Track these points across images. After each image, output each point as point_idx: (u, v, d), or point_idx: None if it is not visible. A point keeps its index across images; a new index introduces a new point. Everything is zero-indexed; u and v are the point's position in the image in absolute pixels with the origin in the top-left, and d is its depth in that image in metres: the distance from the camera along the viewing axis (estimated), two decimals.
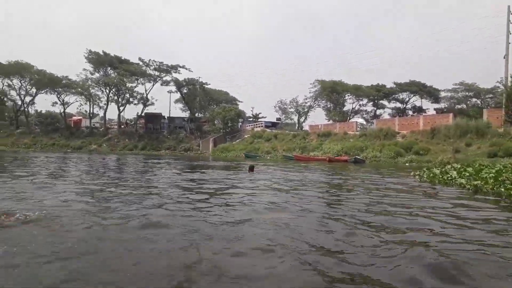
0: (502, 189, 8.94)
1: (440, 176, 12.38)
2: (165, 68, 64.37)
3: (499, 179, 9.73)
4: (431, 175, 13.02)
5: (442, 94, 59.23)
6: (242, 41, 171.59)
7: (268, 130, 53.86)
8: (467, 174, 11.64)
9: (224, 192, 9.20)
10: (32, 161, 22.46)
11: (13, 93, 68.15)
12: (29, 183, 9.75)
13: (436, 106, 59.62)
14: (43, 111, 71.86)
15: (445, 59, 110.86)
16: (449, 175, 11.99)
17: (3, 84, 66.47)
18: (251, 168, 16.04)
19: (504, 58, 33.68)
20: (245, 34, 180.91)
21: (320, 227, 5.13)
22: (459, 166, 13.97)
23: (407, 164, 29.81)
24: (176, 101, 76.84)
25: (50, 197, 7.16)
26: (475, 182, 10.11)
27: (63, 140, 62.62)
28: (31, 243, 3.84)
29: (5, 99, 69.06)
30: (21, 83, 66.28)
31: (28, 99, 68.97)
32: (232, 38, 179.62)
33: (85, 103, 68.36)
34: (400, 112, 60.25)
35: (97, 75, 66.32)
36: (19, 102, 69.23)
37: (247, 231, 4.76)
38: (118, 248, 3.87)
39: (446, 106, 58.31)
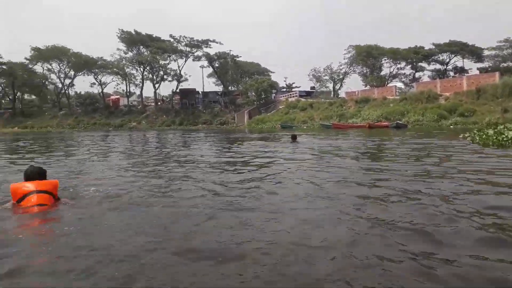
0: None
1: (495, 137, 11.85)
2: (195, 43, 64.41)
3: None
4: (484, 136, 12.49)
5: (486, 52, 55.88)
6: (271, 10, 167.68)
7: (303, 99, 53.20)
8: None
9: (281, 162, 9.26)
10: (82, 140, 23.48)
11: (53, 76, 71.16)
12: (90, 162, 10.22)
13: (480, 65, 56.42)
14: (83, 92, 74.58)
15: (486, 16, 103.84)
16: (504, 136, 11.46)
17: (43, 68, 69.28)
18: (294, 138, 16.00)
19: None
20: (274, 4, 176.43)
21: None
22: None
23: (451, 126, 28.84)
24: (209, 75, 77.10)
25: (114, 174, 7.45)
26: None
27: (103, 119, 64.81)
28: (109, 219, 3.97)
29: (47, 82, 72.04)
30: (59, 66, 68.91)
31: (67, 81, 71.62)
32: (261, 8, 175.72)
33: (122, 82, 70.48)
34: (440, 74, 57.63)
35: (130, 54, 67.55)
36: (60, 85, 72.19)
37: None
38: (186, 222, 3.85)
39: (491, 65, 55.05)
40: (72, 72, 69.85)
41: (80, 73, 69.37)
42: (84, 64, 66.62)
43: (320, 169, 7.40)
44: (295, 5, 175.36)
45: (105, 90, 73.43)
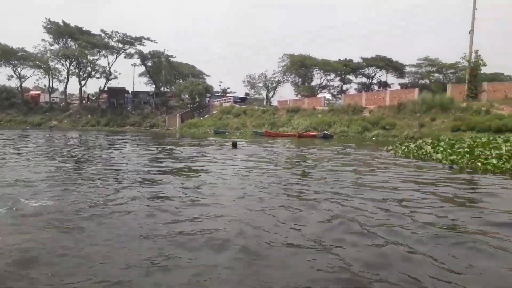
0: (479, 164, 9.14)
1: (415, 150, 12.57)
2: (128, 40, 61.55)
3: (474, 154, 9.95)
4: (406, 150, 13.21)
5: (407, 69, 60.47)
6: (209, 17, 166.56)
7: (237, 105, 53.21)
8: (441, 149, 11.87)
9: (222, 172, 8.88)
10: None
11: None
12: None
13: (401, 81, 60.86)
14: None
15: (411, 33, 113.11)
16: (423, 150, 12.20)
17: None
18: (235, 145, 16.16)
19: (469, 33, 34.46)
20: (212, 11, 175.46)
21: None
22: (430, 141, 14.26)
23: (373, 138, 30.47)
24: (141, 74, 74.11)
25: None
26: (452, 158, 10.30)
27: (20, 116, 59.40)
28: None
29: None
30: None
31: None
32: (199, 14, 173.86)
33: (44, 77, 64.84)
34: (366, 87, 61.10)
35: (56, 46, 62.58)
36: None
37: None
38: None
39: (410, 81, 59.65)
40: None
41: None
42: (2, 54, 60.04)
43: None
44: (231, 12, 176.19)
45: (24, 84, 67.17)
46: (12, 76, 64.24)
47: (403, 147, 13.87)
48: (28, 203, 4.86)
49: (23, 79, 65.14)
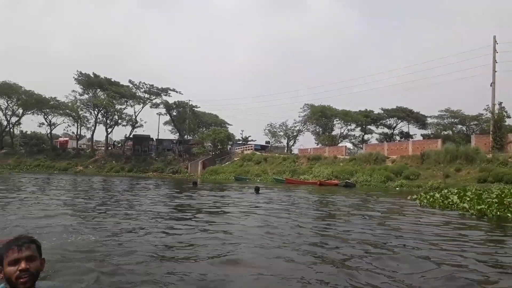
0: (509, 214, 8.94)
1: (441, 200, 12.37)
2: (155, 90, 64.18)
3: (504, 202, 9.75)
4: (431, 199, 13.01)
5: (429, 120, 60.38)
6: (233, 69, 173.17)
7: (257, 153, 53.73)
8: (467, 198, 11.66)
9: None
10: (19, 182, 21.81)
11: None
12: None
13: (423, 132, 60.57)
14: (29, 132, 70.55)
15: (432, 86, 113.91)
16: (450, 200, 12.00)
17: None
18: (257, 190, 17.01)
19: (490, 86, 34.57)
20: (237, 65, 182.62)
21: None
22: (456, 190, 14.02)
23: (397, 188, 29.97)
24: (165, 123, 76.48)
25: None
26: (479, 207, 10.10)
27: (48, 161, 61.23)
28: None
29: None
30: (7, 103, 65.10)
31: (14, 119, 67.71)
32: (223, 66, 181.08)
33: (73, 124, 67.53)
34: (387, 138, 60.95)
35: (86, 96, 65.60)
36: (5, 123, 67.79)
37: None
38: None
39: (433, 132, 59.24)
40: (20, 110, 66.24)
41: (29, 112, 65.76)
42: (35, 103, 63.14)
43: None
44: (251, 65, 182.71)
45: (53, 132, 70.15)
46: (43, 123, 67.12)
47: (428, 197, 13.66)
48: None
49: (53, 126, 68.06)
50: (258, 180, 39.78)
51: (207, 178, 46.09)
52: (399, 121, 61.25)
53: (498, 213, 9.40)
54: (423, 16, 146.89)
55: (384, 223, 7.94)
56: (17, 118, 67.63)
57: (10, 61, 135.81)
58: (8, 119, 66.88)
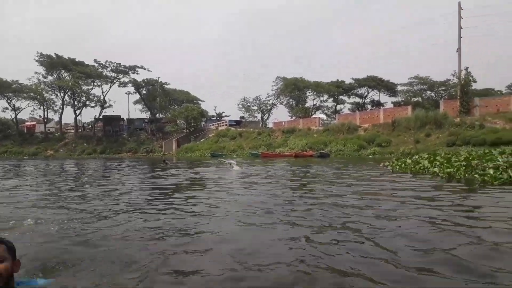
0: (476, 175, 9.23)
1: (412, 165, 12.67)
2: (122, 69, 62.13)
3: (472, 165, 10.06)
4: (403, 165, 13.31)
5: (399, 88, 61.40)
6: (201, 43, 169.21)
7: (232, 128, 53.49)
8: (438, 163, 11.98)
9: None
10: None
11: None
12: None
13: (394, 99, 61.65)
14: None
15: (400, 54, 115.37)
16: (421, 165, 12.30)
17: None
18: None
19: (457, 51, 35.27)
20: (204, 36, 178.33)
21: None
22: (426, 155, 14.39)
23: (370, 156, 30.63)
24: (135, 102, 74.70)
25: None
26: (448, 170, 10.40)
27: (16, 147, 59.11)
28: None
29: None
30: None
31: None
32: (190, 40, 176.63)
33: (39, 108, 65.12)
34: (359, 107, 61.77)
35: (50, 78, 62.96)
36: None
37: None
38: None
39: (403, 99, 60.40)
40: None
41: None
42: None
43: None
44: (222, 38, 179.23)
45: (19, 116, 67.36)
46: (6, 108, 64.56)
47: (400, 163, 13.97)
48: None
49: (17, 111, 65.38)
50: (234, 156, 39.68)
51: (183, 156, 45.71)
52: (370, 90, 62.07)
53: (466, 175, 9.70)
54: None
55: (361, 191, 8.04)
56: None
57: None
58: None
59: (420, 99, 57.29)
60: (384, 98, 63.16)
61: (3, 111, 65.74)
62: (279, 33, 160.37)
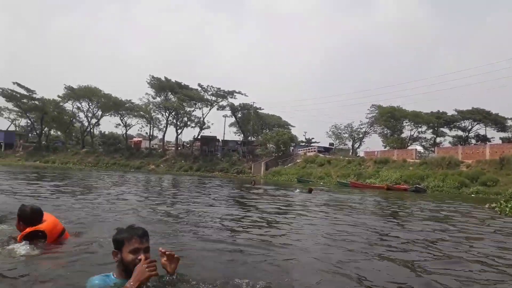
0: None
1: None
2: (222, 93, 66.23)
3: None
4: None
5: (509, 122, 55.65)
6: (298, 69, 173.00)
7: (321, 155, 53.14)
8: None
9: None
10: (107, 179, 23.80)
11: (81, 115, 73.62)
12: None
13: (502, 135, 56.02)
14: (107, 132, 76.54)
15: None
16: None
17: (73, 106, 72.07)
18: (310, 190, 17.16)
19: None
20: (300, 63, 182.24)
21: None
22: None
23: (473, 195, 28.10)
24: (231, 125, 78.63)
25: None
26: None
27: (123, 160, 65.77)
28: None
29: (74, 120, 74.49)
30: (89, 105, 71.43)
31: (94, 121, 73.92)
32: (287, 67, 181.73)
33: (146, 126, 72.28)
34: (462, 141, 57.23)
35: (158, 99, 69.72)
36: (86, 123, 74.31)
37: None
38: None
39: None
40: (99, 112, 72.33)
41: (107, 114, 71.59)
42: (113, 105, 68.81)
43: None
44: (315, 64, 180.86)
45: (128, 132, 75.44)
46: (119, 125, 72.73)
47: (511, 205, 12.67)
48: None
49: (128, 127, 73.24)
50: (321, 183, 39.32)
51: (270, 179, 46.53)
52: (475, 123, 57.31)
53: None
54: (504, 10, 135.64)
55: (461, 230, 7.61)
56: (96, 120, 73.75)
57: (89, 67, 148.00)
58: (89, 120, 73.30)
59: None
60: (491, 133, 57.73)
61: (116, 127, 74.17)
62: (377, 58, 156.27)
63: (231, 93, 65.82)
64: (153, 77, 67.53)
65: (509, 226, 8.86)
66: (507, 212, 11.88)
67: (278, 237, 6.03)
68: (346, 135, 65.57)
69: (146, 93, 70.58)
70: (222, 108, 68.27)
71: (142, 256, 2.54)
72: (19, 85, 65.66)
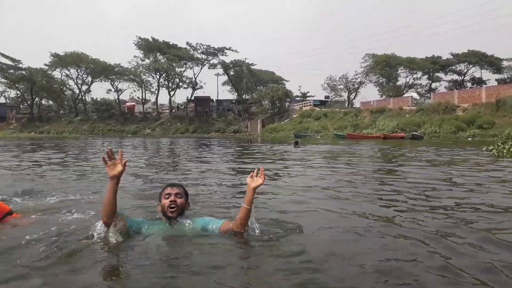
0: None
1: None
2: (212, 51, 64.59)
3: None
4: (511, 148, 12.05)
5: (504, 63, 54.98)
6: (287, 23, 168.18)
7: (317, 108, 52.88)
8: None
9: None
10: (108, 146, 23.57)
11: (71, 82, 72.09)
12: None
13: (498, 76, 55.54)
14: (99, 99, 75.44)
15: (506, 26, 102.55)
16: None
17: (61, 74, 70.38)
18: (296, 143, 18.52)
19: None
20: (290, 17, 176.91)
21: None
22: None
23: (469, 139, 28.26)
24: (224, 83, 77.42)
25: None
26: None
27: (118, 126, 65.33)
28: None
29: (64, 88, 73.09)
30: (77, 72, 69.74)
31: (84, 87, 72.60)
32: (276, 21, 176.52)
33: (138, 89, 71.15)
34: (458, 85, 56.82)
35: (147, 61, 68.07)
36: (77, 91, 72.97)
37: None
38: None
39: (509, 76, 54.14)
40: (89, 79, 70.79)
41: (97, 80, 70.01)
42: (102, 70, 67.10)
43: None
44: (305, 16, 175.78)
45: (121, 97, 74.31)
46: (110, 90, 71.41)
47: (508, 146, 12.62)
48: None
49: (120, 92, 72.05)
50: (318, 137, 39.42)
51: (267, 136, 46.50)
52: (471, 66, 56.58)
53: None
54: None
55: (461, 175, 7.55)
56: (87, 86, 72.50)
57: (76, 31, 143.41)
58: (79, 87, 71.84)
59: None
60: (487, 75, 57.29)
61: (107, 93, 72.98)
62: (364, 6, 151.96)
63: (222, 50, 64.21)
64: (140, 38, 65.56)
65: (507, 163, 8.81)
66: (504, 154, 11.86)
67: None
68: (342, 86, 64.98)
69: (135, 56, 68.96)
70: (213, 66, 66.92)
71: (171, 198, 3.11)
72: (3, 55, 63.61)
